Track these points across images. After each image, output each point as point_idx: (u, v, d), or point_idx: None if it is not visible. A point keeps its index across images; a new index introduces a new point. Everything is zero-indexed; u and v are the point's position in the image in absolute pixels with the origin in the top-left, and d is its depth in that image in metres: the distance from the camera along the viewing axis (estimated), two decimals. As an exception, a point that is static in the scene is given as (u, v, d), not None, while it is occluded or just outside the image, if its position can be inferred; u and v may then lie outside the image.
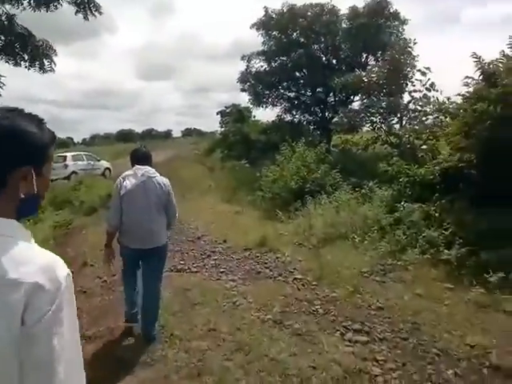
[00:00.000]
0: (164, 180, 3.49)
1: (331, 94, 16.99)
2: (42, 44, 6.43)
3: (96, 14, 6.93)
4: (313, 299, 4.27)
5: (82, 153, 22.49)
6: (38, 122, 0.90)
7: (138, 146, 4.03)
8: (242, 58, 17.28)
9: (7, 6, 6.46)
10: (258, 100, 17.56)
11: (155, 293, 3.55)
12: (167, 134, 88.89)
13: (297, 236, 7.04)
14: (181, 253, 6.60)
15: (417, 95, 10.83)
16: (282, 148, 11.79)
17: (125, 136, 67.10)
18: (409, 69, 11.59)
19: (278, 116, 18.29)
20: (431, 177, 6.32)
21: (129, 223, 3.37)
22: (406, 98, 11.44)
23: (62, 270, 0.82)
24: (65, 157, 20.39)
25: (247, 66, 17.49)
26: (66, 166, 19.77)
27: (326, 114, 17.23)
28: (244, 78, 17.44)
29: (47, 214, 10.84)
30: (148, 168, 3.46)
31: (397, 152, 9.07)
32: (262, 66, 17.28)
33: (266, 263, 5.75)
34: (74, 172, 19.75)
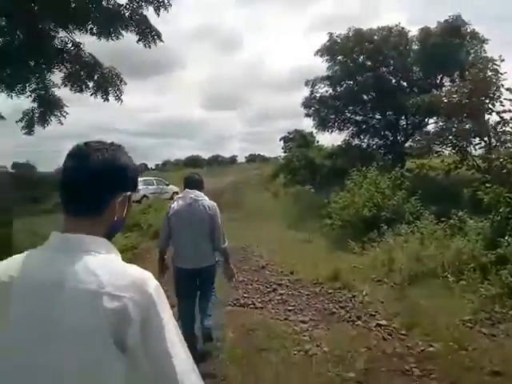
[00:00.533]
0: (210, 203, 3.64)
1: (403, 117, 15.92)
2: (109, 72, 6.48)
3: (157, 41, 6.88)
4: (405, 354, 3.47)
5: (152, 178, 23.52)
6: (129, 156, 1.03)
7: (192, 173, 4.22)
8: (306, 84, 17.00)
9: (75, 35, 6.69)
10: (323, 124, 17.00)
11: (207, 308, 3.71)
12: (232, 160, 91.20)
13: (374, 271, 6.21)
14: (245, 283, 6.11)
15: (507, 116, 9.56)
16: (351, 173, 11.03)
17: (193, 162, 70.03)
18: (495, 88, 10.34)
19: (344, 140, 17.54)
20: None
21: (176, 243, 3.60)
22: (493, 118, 10.16)
23: (153, 284, 0.86)
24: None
25: (311, 91, 17.15)
26: (137, 190, 20.67)
27: (398, 137, 16.13)
28: (308, 103, 17.05)
29: (117, 236, 11.13)
30: (197, 192, 3.65)
31: (488, 178, 7.89)
32: (326, 91, 16.86)
33: (340, 302, 5.03)
34: (144, 196, 20.57)
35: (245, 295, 5.50)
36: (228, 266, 3.80)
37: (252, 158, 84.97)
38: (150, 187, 21.10)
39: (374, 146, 16.75)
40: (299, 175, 18.46)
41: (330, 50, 16.00)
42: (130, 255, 8.45)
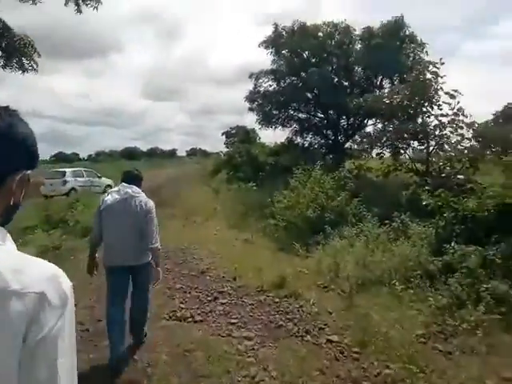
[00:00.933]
0: (147, 200, 3.53)
1: (344, 117, 16.16)
2: (21, 40, 5.11)
3: (91, 3, 5.51)
4: (360, 378, 3.16)
5: (82, 169, 21.66)
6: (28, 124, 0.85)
7: (132, 168, 4.06)
8: (250, 77, 16.51)
9: None
10: (267, 120, 16.66)
11: (142, 310, 3.73)
12: (172, 153, 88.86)
13: (320, 276, 5.96)
14: (183, 291, 5.52)
15: (444, 119, 9.95)
16: (295, 171, 10.83)
17: (129, 153, 66.86)
18: (434, 91, 10.71)
19: (287, 138, 17.41)
20: (485, 213, 5.29)
21: (106, 239, 3.47)
22: (433, 121, 10.51)
23: (67, 280, 0.77)
24: (64, 172, 19.54)
25: (255, 84, 16.72)
26: (64, 183, 18.91)
27: (339, 137, 16.34)
28: (252, 97, 16.59)
29: (38, 234, 9.81)
30: (134, 188, 3.55)
31: (428, 181, 8.08)
32: (270, 86, 16.49)
33: (287, 313, 4.66)
34: (73, 189, 18.83)
35: (182, 305, 4.92)
36: (155, 268, 3.53)
37: (193, 152, 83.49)
38: (79, 179, 19.37)
39: (316, 145, 16.86)
40: (241, 172, 18.06)
41: (274, 42, 15.65)
42: (51, 256, 7.37)
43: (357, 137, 15.60)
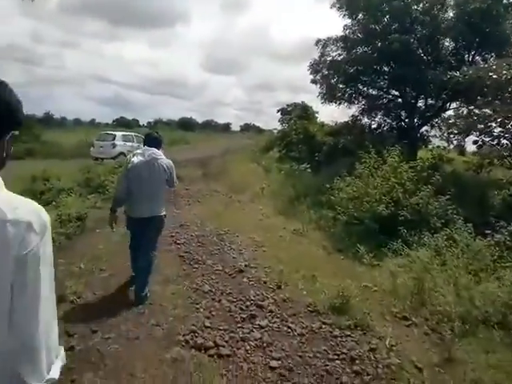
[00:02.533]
0: (168, 162, 4.04)
1: (422, 97, 13.75)
2: None
3: None
4: None
5: (132, 133, 21.13)
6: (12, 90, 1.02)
7: (153, 131, 4.45)
8: (317, 44, 14.37)
9: None
10: (331, 94, 14.60)
11: (148, 259, 4.04)
12: (226, 127, 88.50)
13: (396, 299, 4.39)
14: (211, 298, 4.21)
15: None
16: (361, 155, 9.04)
17: (185, 124, 67.18)
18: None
19: (352, 116, 15.30)
20: None
21: (132, 194, 3.93)
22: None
23: (46, 215, 1.01)
24: (114, 135, 19.06)
25: (321, 53, 14.58)
26: (114, 146, 18.40)
27: (415, 120, 13.98)
28: (316, 68, 14.55)
29: (73, 198, 8.95)
30: (155, 150, 4.00)
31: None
32: (339, 55, 14.28)
33: (353, 360, 3.18)
34: (121, 153, 18.17)
35: (206, 322, 3.61)
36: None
37: (246, 128, 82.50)
38: (128, 143, 18.74)
39: (386, 128, 14.67)
40: (296, 151, 16.42)
41: (349, 2, 13.27)
42: (74, 229, 6.41)
43: (439, 120, 13.28)
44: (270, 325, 3.66)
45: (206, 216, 8.26)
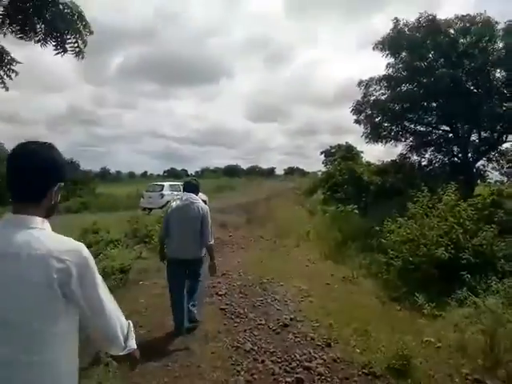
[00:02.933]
0: (203, 206, 4.42)
1: (475, 131, 12.96)
2: (69, 11, 3.96)
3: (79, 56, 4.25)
4: None
5: (179, 183, 21.87)
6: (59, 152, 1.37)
7: (191, 178, 4.90)
8: (359, 84, 14.26)
9: None
10: (376, 133, 14.19)
11: (195, 289, 4.44)
12: (270, 172, 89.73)
13: (466, 358, 3.77)
14: (253, 358, 3.84)
15: None
16: (411, 194, 8.46)
17: (231, 171, 69.13)
18: None
19: (400, 155, 14.70)
20: None
21: (171, 236, 4.33)
22: None
23: (86, 250, 1.27)
24: (162, 186, 19.81)
25: (364, 93, 14.39)
26: (162, 196, 19.04)
27: (469, 155, 13.10)
28: (359, 108, 14.34)
29: (119, 250, 9.09)
30: (193, 195, 4.44)
31: None
32: (383, 94, 13.99)
33: None
34: (168, 202, 18.77)
35: (246, 388, 3.24)
36: (212, 261, 4.38)
37: (290, 171, 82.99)
38: (175, 193, 19.23)
39: (437, 164, 13.87)
40: (341, 192, 15.96)
41: (393, 42, 13.06)
42: (115, 280, 6.40)
43: (494, 153, 12.39)
44: (319, 393, 3.21)
45: (250, 263, 8.00)
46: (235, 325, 4.79)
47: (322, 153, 34.43)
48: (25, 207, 1.23)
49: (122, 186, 36.99)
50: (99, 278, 1.28)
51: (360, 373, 3.54)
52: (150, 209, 18.38)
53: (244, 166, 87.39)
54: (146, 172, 70.03)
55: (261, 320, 4.90)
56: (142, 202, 19.17)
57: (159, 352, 3.95)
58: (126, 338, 1.41)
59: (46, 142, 1.31)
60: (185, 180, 4.99)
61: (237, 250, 9.65)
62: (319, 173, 24.32)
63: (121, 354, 1.48)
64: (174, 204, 4.45)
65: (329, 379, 3.43)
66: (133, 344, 1.45)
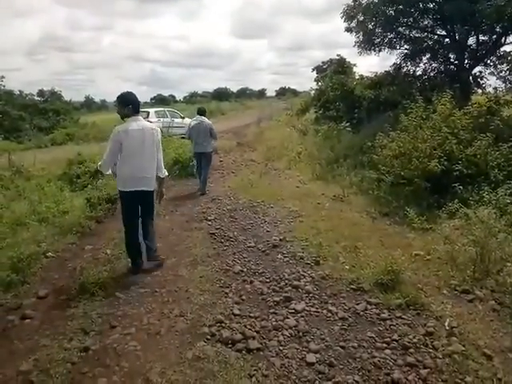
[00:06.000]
0: (209, 122, 7.70)
1: (472, 33, 11.99)
2: None
3: None
4: None
5: (165, 109, 20.98)
6: None
7: (201, 106, 9.06)
8: None
9: None
10: (369, 42, 13.05)
11: (205, 173, 7.61)
12: (261, 93, 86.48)
13: (455, 269, 3.77)
14: (242, 280, 3.83)
15: None
16: (405, 105, 8.04)
17: (220, 94, 66.35)
18: None
19: (394, 65, 13.78)
20: None
21: (194, 139, 7.64)
22: None
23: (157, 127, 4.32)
24: (148, 113, 18.94)
25: (356, -5, 12.92)
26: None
27: (466, 61, 12.27)
28: (350, 13, 13.01)
29: (106, 180, 8.82)
30: (203, 117, 7.64)
31: None
32: (376, -4, 12.49)
33: (406, 349, 2.67)
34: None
35: (236, 309, 3.23)
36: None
37: (282, 92, 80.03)
38: (161, 119, 18.47)
39: (433, 73, 13.09)
40: (333, 110, 15.36)
41: None
42: (102, 211, 6.26)
43: (492, 58, 11.62)
44: (307, 308, 3.22)
45: (240, 188, 7.86)
46: (224, 248, 4.76)
47: (313, 69, 32.61)
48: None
49: (108, 114, 35.63)
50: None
51: (348, 289, 3.55)
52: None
53: (233, 88, 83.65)
54: (132, 100, 67.20)
55: (250, 242, 4.86)
56: (129, 130, 18.54)
57: (147, 279, 3.92)
58: (164, 172, 4.15)
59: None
60: (198, 107, 8.28)
61: (227, 175, 9.48)
62: (312, 92, 23.24)
63: (162, 176, 4.16)
64: (192, 123, 7.72)
65: (317, 296, 3.43)
66: (165, 173, 4.24)
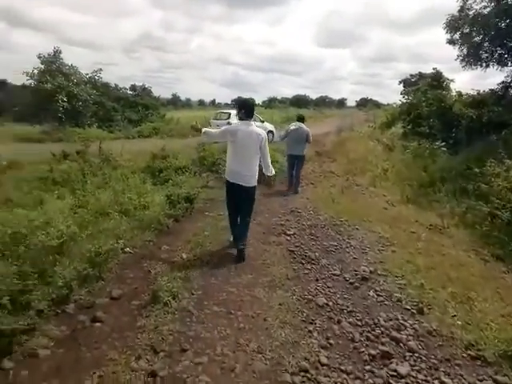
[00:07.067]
0: (308, 129, 8.15)
1: None
2: None
3: None
4: None
5: (246, 111, 21.07)
6: None
7: (300, 113, 9.30)
8: None
9: None
10: (475, 55, 11.66)
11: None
12: (340, 102, 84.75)
13: None
14: (327, 317, 3.28)
15: None
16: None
17: (299, 101, 66.11)
18: None
19: (503, 83, 12.20)
20: None
21: (289, 142, 8.28)
22: None
23: (264, 133, 4.51)
24: (229, 114, 19.22)
25: (461, 6, 11.54)
26: (228, 124, 18.44)
27: None
28: (454, 25, 11.68)
29: (186, 177, 8.85)
30: (301, 124, 8.18)
31: None
32: (485, 7, 11.01)
33: None
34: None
35: (322, 359, 2.70)
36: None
37: (363, 103, 77.54)
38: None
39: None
40: (426, 126, 14.05)
41: None
42: (182, 211, 6.11)
43: None
44: (413, 374, 2.58)
45: (320, 201, 7.31)
46: (305, 271, 4.26)
47: (400, 82, 30.87)
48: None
49: (191, 112, 37.09)
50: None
51: (465, 355, 2.83)
52: (216, 138, 18.10)
53: (313, 96, 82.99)
54: (214, 100, 69.55)
55: (335, 269, 4.30)
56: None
57: (222, 296, 3.56)
58: (271, 171, 4.67)
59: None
60: (298, 114, 9.21)
61: (306, 186, 8.96)
62: (395, 105, 21.74)
63: (269, 174, 4.71)
64: (291, 127, 8.18)
65: (424, 358, 2.77)
66: (272, 171, 4.78)
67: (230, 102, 61.05)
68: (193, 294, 3.52)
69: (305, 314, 3.31)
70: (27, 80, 17.46)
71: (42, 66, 17.90)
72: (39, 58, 17.94)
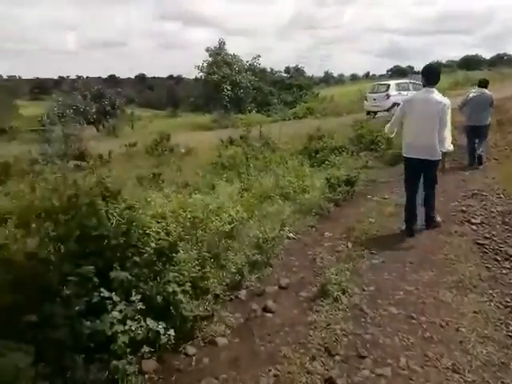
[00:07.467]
0: (489, 95, 7.11)
1: None
2: None
3: None
4: None
5: (407, 80, 18.89)
6: None
7: (483, 78, 7.83)
8: None
9: None
10: None
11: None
12: (527, 59, 68.85)
13: None
14: None
15: None
16: None
17: (469, 62, 56.95)
18: None
19: None
20: None
21: (470, 111, 7.22)
22: None
23: (447, 100, 3.99)
24: (388, 85, 17.54)
25: None
26: (387, 97, 16.90)
27: None
28: None
29: (344, 157, 8.45)
30: (484, 89, 7.12)
31: None
32: None
33: None
34: (395, 104, 16.43)
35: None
36: None
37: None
38: (403, 93, 16.67)
39: None
40: None
41: None
42: (343, 194, 5.78)
43: None
44: None
45: (510, 181, 5.91)
46: (504, 271, 3.44)
47: None
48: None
49: (344, 88, 35.94)
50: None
51: None
52: (375, 112, 16.81)
53: (486, 55, 69.59)
54: (368, 73, 65.82)
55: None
56: (366, 104, 17.66)
57: (398, 295, 3.13)
58: (448, 146, 3.99)
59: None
60: (480, 79, 7.56)
61: (488, 162, 7.43)
62: None
63: (444, 150, 4.04)
64: (470, 95, 7.12)
65: None
66: (450, 147, 4.09)
67: (385, 73, 56.90)
68: (364, 290, 3.19)
69: (511, 328, 2.61)
70: (198, 73, 19.75)
71: (210, 59, 19.90)
72: (207, 51, 19.98)
